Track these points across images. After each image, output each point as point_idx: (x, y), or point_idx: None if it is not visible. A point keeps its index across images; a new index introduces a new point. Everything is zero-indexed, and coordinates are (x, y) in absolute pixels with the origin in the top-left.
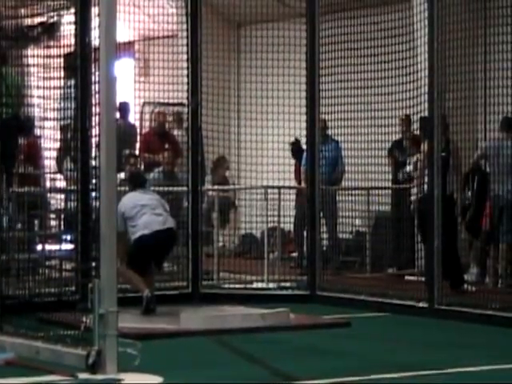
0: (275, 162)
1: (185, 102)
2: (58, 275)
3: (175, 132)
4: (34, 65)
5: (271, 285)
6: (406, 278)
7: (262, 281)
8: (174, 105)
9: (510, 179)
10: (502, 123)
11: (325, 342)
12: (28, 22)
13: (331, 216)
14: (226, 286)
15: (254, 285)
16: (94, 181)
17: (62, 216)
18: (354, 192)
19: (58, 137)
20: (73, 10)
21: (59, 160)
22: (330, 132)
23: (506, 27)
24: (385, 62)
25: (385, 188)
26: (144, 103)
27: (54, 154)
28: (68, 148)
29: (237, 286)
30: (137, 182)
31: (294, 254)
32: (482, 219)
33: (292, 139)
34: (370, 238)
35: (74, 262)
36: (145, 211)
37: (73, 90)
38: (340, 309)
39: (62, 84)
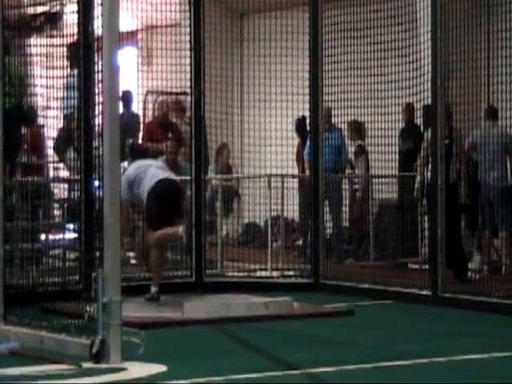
0: (278, 151)
1: (188, 90)
2: (61, 265)
3: (176, 121)
4: (36, 54)
5: (275, 273)
6: (410, 266)
7: (266, 269)
8: (176, 94)
9: (497, 166)
10: (487, 112)
11: (328, 331)
12: (31, 11)
13: (335, 204)
14: (230, 274)
15: (258, 273)
16: (97, 170)
17: (66, 205)
18: (357, 180)
19: (60, 126)
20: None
21: (58, 149)
22: (333, 120)
23: (509, 14)
24: (388, 50)
25: (388, 176)
26: (147, 92)
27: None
28: (71, 137)
29: (240, 274)
30: (138, 153)
31: (298, 243)
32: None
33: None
34: (373, 226)
35: (77, 251)
36: (151, 169)
37: (76, 79)
38: (343, 297)
39: (65, 73)
